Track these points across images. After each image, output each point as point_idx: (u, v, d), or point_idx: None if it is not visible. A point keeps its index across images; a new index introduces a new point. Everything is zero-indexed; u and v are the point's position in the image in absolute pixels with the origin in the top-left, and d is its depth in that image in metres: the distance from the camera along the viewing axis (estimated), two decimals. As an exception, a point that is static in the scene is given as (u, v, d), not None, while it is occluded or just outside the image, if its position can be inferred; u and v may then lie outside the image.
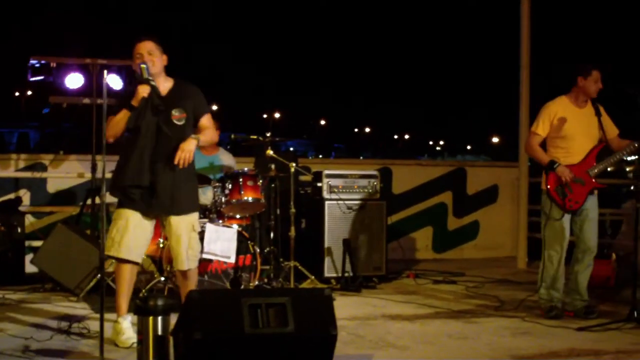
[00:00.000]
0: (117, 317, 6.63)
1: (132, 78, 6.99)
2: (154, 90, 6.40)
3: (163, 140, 6.53)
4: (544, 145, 8.00)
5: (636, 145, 7.72)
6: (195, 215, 6.79)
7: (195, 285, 6.87)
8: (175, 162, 6.41)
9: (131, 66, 9.86)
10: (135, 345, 5.94)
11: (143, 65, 6.38)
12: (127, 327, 6.55)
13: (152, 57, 6.53)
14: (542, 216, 7.97)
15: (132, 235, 6.54)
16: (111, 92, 9.40)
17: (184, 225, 6.67)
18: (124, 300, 6.70)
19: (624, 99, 7.68)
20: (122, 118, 6.43)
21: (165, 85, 6.65)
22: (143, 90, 6.37)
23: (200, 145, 6.62)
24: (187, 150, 6.44)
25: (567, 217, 7.82)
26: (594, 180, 7.79)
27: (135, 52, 6.57)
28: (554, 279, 7.87)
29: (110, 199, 9.03)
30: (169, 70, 6.75)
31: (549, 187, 7.78)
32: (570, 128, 7.82)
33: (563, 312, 7.85)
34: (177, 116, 6.59)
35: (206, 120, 6.77)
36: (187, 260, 6.70)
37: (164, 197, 6.55)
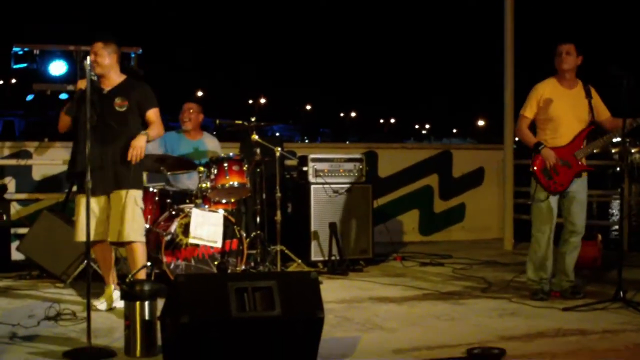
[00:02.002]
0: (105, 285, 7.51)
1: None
2: (93, 84, 6.58)
3: (103, 127, 7.07)
4: (533, 127, 8.00)
5: (634, 125, 7.67)
6: (138, 192, 7.36)
7: (144, 261, 7.26)
8: (128, 159, 7.10)
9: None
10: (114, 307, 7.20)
11: (86, 62, 6.51)
12: (110, 293, 7.39)
13: (96, 58, 7.19)
14: (530, 197, 7.98)
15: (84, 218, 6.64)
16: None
17: (128, 199, 7.18)
18: (105, 273, 7.59)
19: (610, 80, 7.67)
20: (66, 108, 7.16)
21: (116, 80, 7.37)
22: (80, 84, 7.06)
23: (149, 140, 7.27)
24: (137, 147, 7.12)
25: (553, 199, 7.82)
26: (580, 162, 7.79)
27: (91, 50, 7.30)
28: (542, 261, 7.88)
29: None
30: (156, 58, 6.92)
31: (535, 168, 7.78)
32: (558, 109, 7.80)
33: (549, 295, 7.86)
34: (119, 103, 7.24)
35: (153, 115, 7.41)
36: (131, 231, 7.18)
37: (106, 176, 7.15)
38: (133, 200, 7.22)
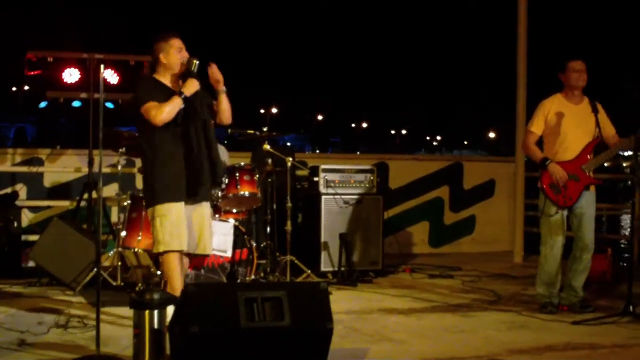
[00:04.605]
0: None
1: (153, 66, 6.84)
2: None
3: (206, 133, 6.64)
4: (541, 143, 8.00)
5: (633, 140, 7.69)
6: None
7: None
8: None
9: (128, 61, 9.95)
10: None
11: (196, 61, 6.45)
12: None
13: (185, 54, 6.61)
14: (539, 212, 7.97)
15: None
16: (108, 87, 9.45)
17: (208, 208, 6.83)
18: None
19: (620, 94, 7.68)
20: (178, 104, 6.39)
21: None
22: (197, 85, 6.49)
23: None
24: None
25: (562, 214, 7.81)
26: (588, 175, 7.78)
27: (175, 44, 6.59)
28: (551, 275, 7.86)
29: (106, 193, 9.09)
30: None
31: (543, 185, 7.78)
32: (565, 124, 7.80)
33: (558, 308, 7.85)
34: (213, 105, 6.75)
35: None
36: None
37: (206, 183, 6.67)
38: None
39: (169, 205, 6.43)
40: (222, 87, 6.63)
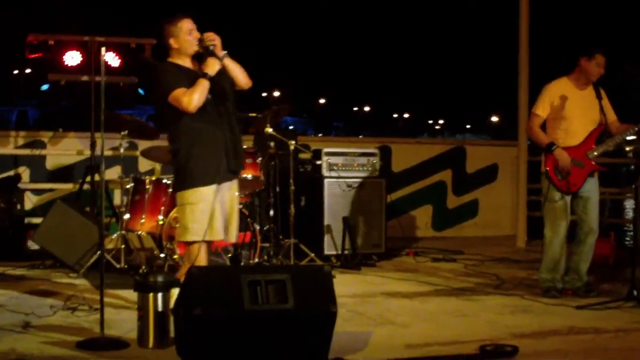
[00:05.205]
0: None
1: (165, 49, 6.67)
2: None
3: (233, 113, 6.52)
4: (544, 126, 7.98)
5: (636, 129, 7.68)
6: None
7: None
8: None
9: (129, 43, 9.94)
10: None
11: (215, 42, 6.28)
12: None
13: (197, 34, 6.41)
14: (542, 197, 7.96)
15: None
16: (109, 69, 9.43)
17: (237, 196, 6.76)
18: None
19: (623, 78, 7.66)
20: (207, 86, 6.21)
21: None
22: (217, 63, 6.28)
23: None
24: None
25: (567, 199, 7.80)
26: (593, 162, 7.76)
27: (184, 27, 6.38)
28: (555, 260, 7.85)
29: (109, 175, 9.08)
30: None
31: (547, 169, 7.76)
32: (570, 109, 7.77)
33: (561, 292, 7.84)
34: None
35: None
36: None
37: (235, 166, 6.53)
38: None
39: (201, 190, 6.25)
40: (222, 52, 6.35)
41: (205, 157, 6.26)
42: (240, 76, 6.47)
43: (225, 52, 6.36)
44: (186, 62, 6.43)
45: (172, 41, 6.41)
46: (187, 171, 6.28)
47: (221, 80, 6.36)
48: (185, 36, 6.37)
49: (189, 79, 6.25)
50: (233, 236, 6.68)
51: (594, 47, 7.90)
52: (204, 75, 6.20)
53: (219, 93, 6.35)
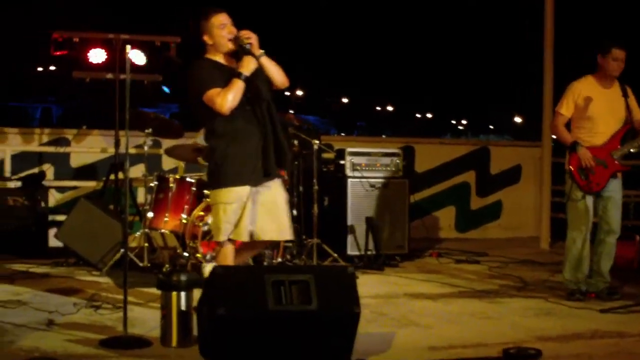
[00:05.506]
0: None
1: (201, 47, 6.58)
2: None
3: (271, 112, 6.29)
4: (569, 125, 7.93)
5: None
6: None
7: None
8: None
9: (154, 41, 9.96)
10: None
11: (251, 41, 6.11)
12: None
13: (232, 29, 6.22)
14: (565, 197, 7.91)
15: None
16: (133, 67, 9.44)
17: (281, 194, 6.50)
18: None
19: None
20: (242, 87, 6.06)
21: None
22: (253, 62, 6.11)
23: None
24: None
25: (589, 198, 7.75)
26: (617, 162, 7.71)
27: (216, 22, 6.21)
28: (579, 261, 7.80)
29: (133, 173, 9.09)
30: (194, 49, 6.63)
31: (571, 167, 7.72)
32: (595, 108, 7.71)
33: (586, 295, 7.79)
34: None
35: None
36: None
37: (272, 166, 6.31)
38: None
39: (234, 190, 6.15)
40: (259, 51, 6.17)
41: (240, 157, 6.15)
42: (276, 76, 6.30)
43: (262, 51, 6.19)
44: (222, 58, 6.28)
45: (206, 37, 6.27)
46: (222, 171, 6.18)
47: (257, 79, 6.20)
48: (219, 31, 6.19)
49: (225, 76, 6.11)
50: (284, 234, 6.44)
51: (609, 41, 7.82)
52: (239, 75, 6.06)
53: (254, 92, 6.20)
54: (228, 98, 6.01)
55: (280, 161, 6.30)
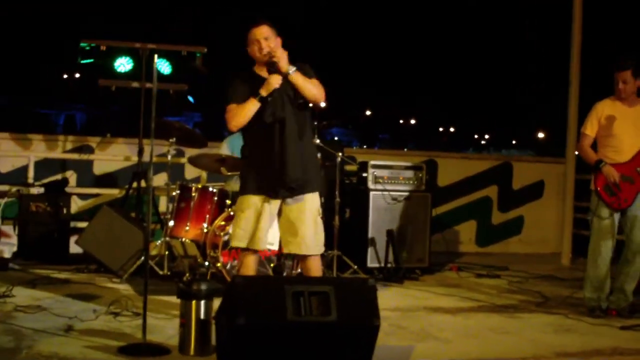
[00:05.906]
0: None
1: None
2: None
3: (283, 131, 6.16)
4: (595, 146, 7.92)
5: None
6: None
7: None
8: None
9: (180, 51, 10.00)
10: None
11: (276, 60, 6.01)
12: None
13: (268, 43, 6.12)
14: (590, 214, 7.88)
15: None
16: (160, 77, 9.49)
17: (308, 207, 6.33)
18: None
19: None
20: (251, 108, 6.04)
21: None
22: (276, 81, 6.03)
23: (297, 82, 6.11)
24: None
25: (615, 216, 7.72)
26: (643, 178, 7.69)
27: (252, 37, 6.17)
28: (600, 278, 7.77)
29: (155, 182, 9.12)
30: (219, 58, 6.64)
31: (597, 188, 7.70)
32: (619, 126, 7.71)
33: (606, 312, 7.76)
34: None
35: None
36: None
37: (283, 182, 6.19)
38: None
39: (249, 198, 6.15)
40: (287, 68, 6.05)
41: (257, 167, 6.18)
42: (307, 92, 6.15)
43: (294, 67, 6.08)
44: (264, 69, 6.18)
45: (249, 50, 6.24)
46: (243, 178, 6.32)
47: (283, 93, 6.12)
48: (252, 46, 6.17)
49: (257, 88, 6.08)
50: (307, 249, 6.25)
51: (615, 62, 7.84)
52: (256, 95, 6.03)
53: (273, 111, 6.12)
54: (234, 117, 6.10)
55: (280, 181, 6.16)
